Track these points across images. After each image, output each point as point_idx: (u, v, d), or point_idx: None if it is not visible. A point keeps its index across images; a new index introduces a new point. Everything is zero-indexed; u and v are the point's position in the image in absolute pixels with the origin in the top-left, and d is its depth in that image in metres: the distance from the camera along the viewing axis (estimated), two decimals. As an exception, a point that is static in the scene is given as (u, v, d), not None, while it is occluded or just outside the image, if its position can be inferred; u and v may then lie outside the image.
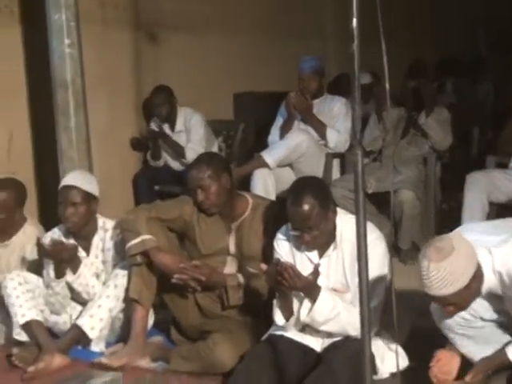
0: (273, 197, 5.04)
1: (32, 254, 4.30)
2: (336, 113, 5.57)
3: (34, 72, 5.65)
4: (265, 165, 5.26)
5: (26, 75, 5.68)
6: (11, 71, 5.59)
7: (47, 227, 4.39)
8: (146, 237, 3.75)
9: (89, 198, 4.03)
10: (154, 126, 6.09)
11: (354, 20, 2.38)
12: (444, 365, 3.24)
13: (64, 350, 3.86)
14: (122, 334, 4.03)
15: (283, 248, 3.48)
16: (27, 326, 3.92)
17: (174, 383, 3.51)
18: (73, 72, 4.74)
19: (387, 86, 2.53)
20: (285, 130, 5.52)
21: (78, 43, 4.77)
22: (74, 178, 4.07)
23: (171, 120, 6.03)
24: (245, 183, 5.17)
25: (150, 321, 4.01)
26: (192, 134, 5.92)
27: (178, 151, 5.92)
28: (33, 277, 4.09)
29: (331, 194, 3.50)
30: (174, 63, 6.60)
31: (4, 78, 5.54)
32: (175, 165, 6.02)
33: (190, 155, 5.66)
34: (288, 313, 3.31)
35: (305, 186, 3.39)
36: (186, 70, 6.64)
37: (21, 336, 3.94)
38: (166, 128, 6.03)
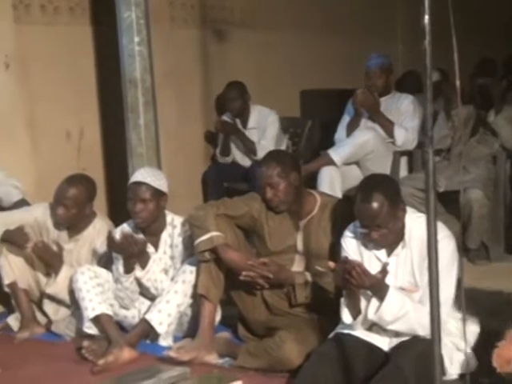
0: (339, 194, 5.02)
1: (102, 248, 4.37)
2: (403, 110, 5.52)
3: (104, 70, 5.74)
4: (331, 162, 5.25)
5: (96, 73, 5.78)
6: (82, 69, 5.69)
7: (116, 223, 4.45)
8: (215, 233, 3.78)
9: (158, 194, 4.08)
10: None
11: (426, 17, 2.36)
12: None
13: (133, 344, 3.91)
14: (190, 329, 4.07)
15: (351, 246, 3.47)
16: (97, 320, 3.98)
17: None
18: (142, 70, 4.79)
19: (458, 83, 2.51)
20: (352, 128, 5.49)
21: (148, 41, 4.82)
22: (144, 175, 4.12)
23: (243, 116, 6.06)
24: (311, 181, 5.17)
25: (217, 317, 4.04)
26: (267, 132, 5.93)
27: (250, 147, 5.94)
28: (103, 271, 4.16)
29: (400, 192, 3.48)
30: (241, 60, 6.63)
31: (75, 76, 5.64)
32: (244, 161, 6.04)
33: (261, 152, 5.68)
34: (355, 311, 3.30)
35: (374, 183, 3.38)
36: (252, 67, 6.66)
37: (91, 329, 4.01)
38: (238, 124, 6.06)
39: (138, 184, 4.07)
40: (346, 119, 5.63)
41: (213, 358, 3.78)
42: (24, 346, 4.22)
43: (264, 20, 6.91)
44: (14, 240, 4.35)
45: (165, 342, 4.03)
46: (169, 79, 5.90)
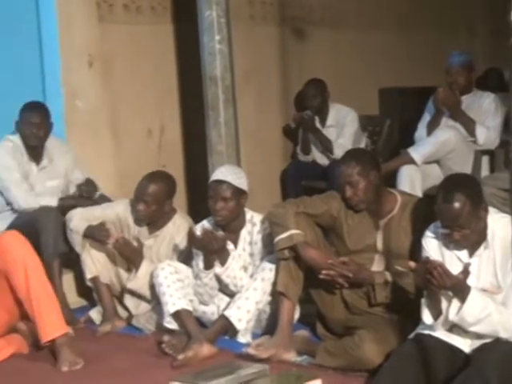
0: (419, 194, 4.97)
1: (181, 244, 4.42)
2: (485, 109, 5.43)
3: (184, 68, 5.80)
4: (411, 161, 5.20)
5: (176, 71, 5.84)
6: (163, 68, 5.77)
7: (195, 220, 4.50)
8: (295, 231, 3.78)
9: (238, 192, 4.10)
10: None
11: (512, 14, 2.31)
12: None
13: (212, 340, 3.94)
14: (268, 326, 4.09)
15: (432, 246, 3.43)
16: (177, 315, 4.02)
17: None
18: (222, 68, 4.82)
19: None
20: (432, 126, 5.42)
21: (228, 39, 4.84)
22: (225, 173, 4.14)
23: (322, 114, 6.05)
24: (390, 180, 5.13)
25: (296, 315, 4.04)
26: (345, 130, 5.92)
27: (327, 146, 5.93)
28: (183, 267, 4.20)
29: (482, 192, 3.43)
30: (320, 58, 6.63)
31: (157, 73, 5.72)
32: (322, 160, 6.03)
33: (338, 151, 5.67)
34: (436, 312, 3.26)
35: (456, 183, 3.33)
36: (331, 65, 6.65)
37: (171, 324, 4.06)
38: (317, 122, 6.05)
39: (219, 182, 4.10)
40: (426, 118, 5.56)
41: (291, 356, 3.78)
42: (105, 339, 4.30)
43: (343, 18, 6.88)
44: (96, 236, 4.43)
45: (243, 338, 4.06)
46: (248, 77, 5.93)
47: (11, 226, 4.60)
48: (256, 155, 5.97)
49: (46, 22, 5.29)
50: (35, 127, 4.79)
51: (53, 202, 4.73)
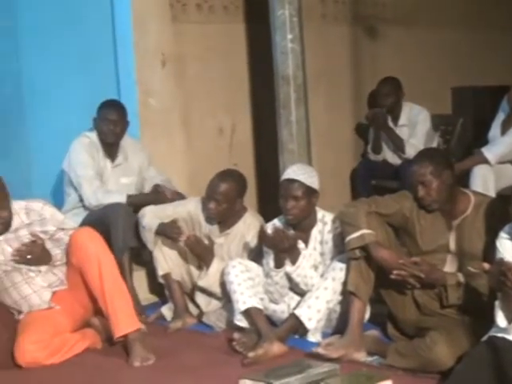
0: (492, 194, 4.88)
1: (252, 242, 4.43)
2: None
3: (255, 67, 5.82)
4: (485, 161, 5.12)
5: (248, 70, 5.86)
6: (235, 66, 5.79)
7: (266, 218, 4.50)
8: (366, 231, 3.76)
9: (310, 192, 4.10)
10: None
11: None
12: None
13: (282, 339, 3.93)
14: (338, 326, 4.07)
15: (506, 247, 3.36)
16: (248, 313, 4.04)
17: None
18: (294, 66, 4.82)
19: None
20: (507, 126, 5.33)
21: (300, 38, 4.84)
22: (296, 172, 4.14)
23: (395, 113, 6.00)
24: (463, 179, 5.06)
25: (366, 315, 4.01)
26: (417, 129, 5.86)
27: (399, 145, 5.87)
28: (253, 265, 4.21)
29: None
30: (392, 57, 6.57)
31: (228, 73, 5.75)
32: (393, 160, 5.98)
33: (410, 151, 5.62)
34: (511, 315, 3.20)
35: (533, 184, 3.27)
36: (403, 64, 6.58)
37: (241, 322, 4.07)
38: (389, 120, 6.00)
39: (291, 181, 4.10)
40: (500, 117, 5.47)
41: (361, 356, 3.76)
42: (176, 335, 4.33)
43: (416, 17, 6.80)
44: (168, 233, 4.48)
45: (313, 337, 4.05)
46: (320, 76, 5.92)
47: (84, 222, 4.69)
48: (326, 154, 5.95)
49: (120, 21, 5.36)
50: (112, 124, 4.88)
51: (121, 198, 4.80)
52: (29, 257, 4.03)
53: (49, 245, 4.13)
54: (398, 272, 3.70)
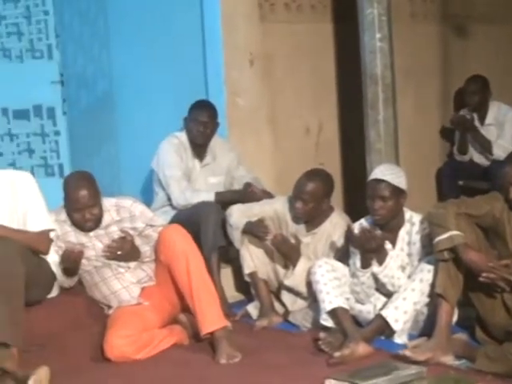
0: None
1: (338, 242, 4.41)
2: None
3: (343, 66, 5.79)
4: None
5: (335, 69, 5.84)
6: (322, 66, 5.78)
7: (353, 218, 4.47)
8: (455, 233, 3.69)
9: (397, 192, 4.05)
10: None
11: None
12: None
13: (368, 339, 3.90)
14: (425, 328, 4.01)
15: None
16: (333, 313, 4.02)
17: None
18: (383, 66, 4.79)
19: None
20: None
21: (389, 37, 4.80)
22: (384, 172, 4.10)
23: (482, 112, 5.90)
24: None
25: (454, 317, 3.95)
26: (505, 129, 5.75)
27: (486, 147, 5.77)
28: (339, 265, 4.19)
29: None
30: (483, 56, 6.45)
31: (315, 72, 5.74)
32: (480, 160, 5.88)
33: (498, 151, 5.52)
34: None
35: None
36: (494, 62, 6.46)
37: (327, 322, 4.06)
38: (475, 120, 5.90)
39: (378, 181, 4.06)
40: None
41: (449, 360, 3.69)
42: (262, 334, 4.34)
43: (506, 14, 6.67)
44: (255, 232, 4.49)
45: (400, 339, 4.00)
46: (408, 76, 5.85)
47: (173, 220, 4.75)
48: (413, 154, 5.88)
49: (209, 21, 5.41)
50: (202, 125, 4.93)
51: (210, 197, 4.84)
52: (119, 253, 4.11)
53: (138, 241, 4.20)
54: (487, 275, 3.63)
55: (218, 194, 4.90)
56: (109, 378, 3.73)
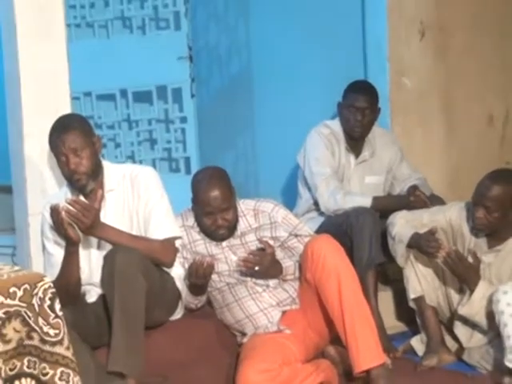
0: None
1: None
2: None
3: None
4: None
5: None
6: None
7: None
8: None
9: None
10: None
11: None
12: None
13: None
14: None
15: None
16: (522, 353, 3.95)
17: None
18: None
19: None
20: None
21: None
22: None
23: None
24: None
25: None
26: None
27: None
28: (531, 292, 4.10)
29: None
30: None
31: (503, 46, 5.66)
32: None
33: None
34: None
35: None
36: None
37: (512, 363, 4.00)
38: None
39: None
40: None
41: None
42: (429, 375, 4.30)
43: None
44: (423, 246, 4.43)
45: None
46: None
47: (320, 229, 4.76)
48: None
49: (370, -17, 5.42)
50: (360, 113, 4.91)
51: (366, 202, 4.82)
52: (256, 268, 4.14)
53: (280, 254, 4.23)
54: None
55: (376, 199, 4.88)
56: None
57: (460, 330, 4.45)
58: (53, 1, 4.24)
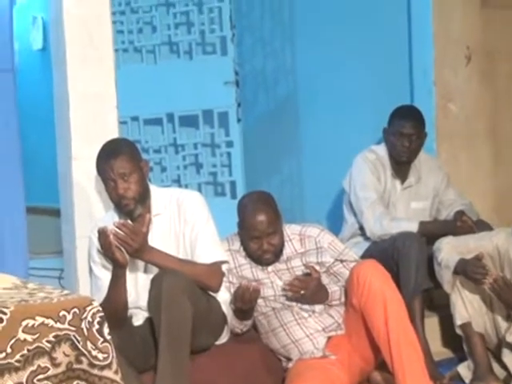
0: None
1: None
2: None
3: None
4: None
5: None
6: None
7: None
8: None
9: None
10: None
11: None
12: None
13: None
14: None
15: None
16: None
17: None
18: None
19: None
20: None
21: None
22: None
23: None
24: None
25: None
26: None
27: None
28: None
29: None
30: None
31: None
32: None
33: None
34: None
35: None
36: None
37: None
38: None
39: None
40: None
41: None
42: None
43: None
44: (470, 272, 4.39)
45: None
46: None
47: (366, 255, 4.75)
48: None
49: (417, 7, 5.41)
50: (407, 139, 4.89)
51: (412, 227, 4.80)
52: (302, 293, 4.13)
53: (325, 280, 4.22)
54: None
55: (422, 224, 4.85)
56: None
57: (508, 357, 4.40)
58: (101, 26, 4.28)
